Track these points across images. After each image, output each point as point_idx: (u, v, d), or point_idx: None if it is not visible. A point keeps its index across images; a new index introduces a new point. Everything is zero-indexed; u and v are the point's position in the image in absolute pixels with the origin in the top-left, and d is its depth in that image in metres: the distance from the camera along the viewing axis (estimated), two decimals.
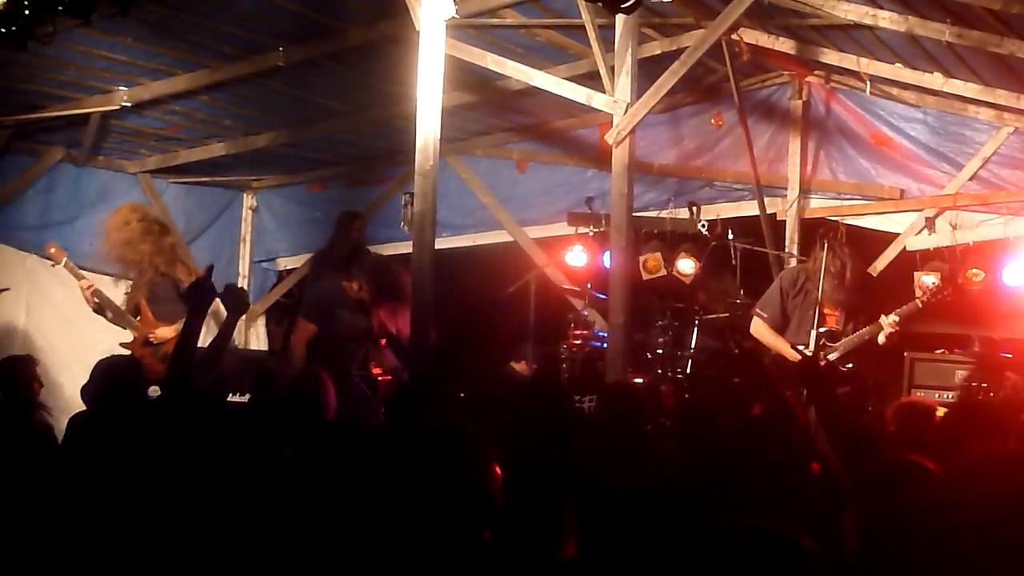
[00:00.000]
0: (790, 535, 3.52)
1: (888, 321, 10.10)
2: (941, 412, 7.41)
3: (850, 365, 10.27)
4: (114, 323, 11.83)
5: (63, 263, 11.76)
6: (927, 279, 11.49)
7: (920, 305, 10.21)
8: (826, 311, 10.18)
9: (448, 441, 3.66)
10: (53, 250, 11.85)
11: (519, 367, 13.47)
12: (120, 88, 11.88)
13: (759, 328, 10.64)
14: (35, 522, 4.91)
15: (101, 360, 8.14)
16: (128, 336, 11.82)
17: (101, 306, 11.74)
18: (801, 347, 10.19)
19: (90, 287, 11.71)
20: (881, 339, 10.24)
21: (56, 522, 4.91)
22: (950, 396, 10.84)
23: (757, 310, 10.75)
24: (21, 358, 10.44)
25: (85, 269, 12.24)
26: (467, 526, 3.55)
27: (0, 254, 13.32)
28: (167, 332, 11.57)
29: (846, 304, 10.31)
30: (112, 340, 11.75)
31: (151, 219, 12.18)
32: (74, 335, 12.71)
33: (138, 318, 11.74)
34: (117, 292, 12.27)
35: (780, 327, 10.53)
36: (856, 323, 10.35)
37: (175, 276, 11.88)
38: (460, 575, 3.52)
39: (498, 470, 3.64)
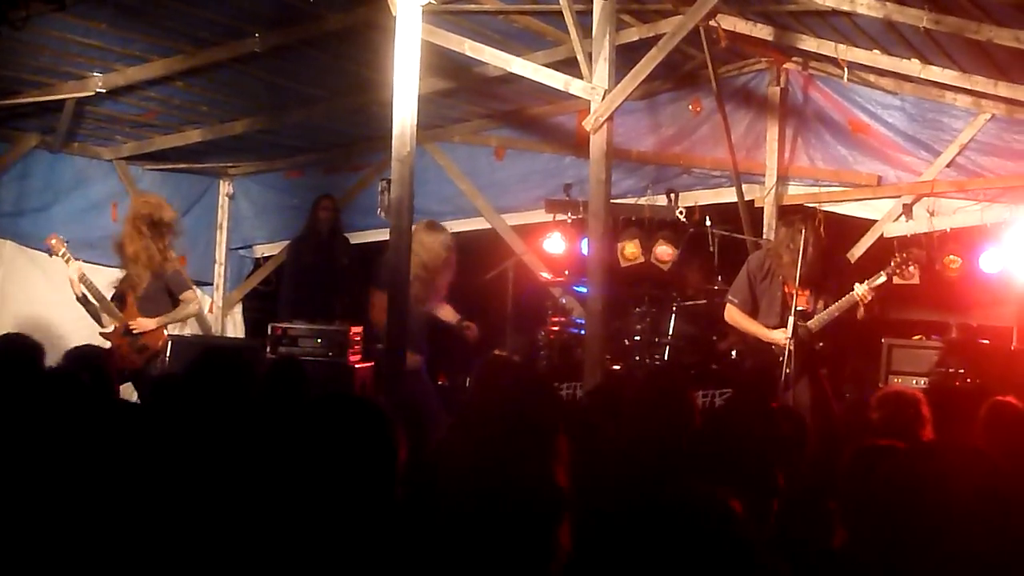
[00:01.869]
0: (719, 497, 3.55)
1: (861, 291, 10.10)
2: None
3: (821, 344, 10.29)
4: (96, 313, 11.77)
5: (61, 253, 11.72)
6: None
7: (886, 276, 10.22)
8: (794, 291, 10.18)
9: (350, 411, 3.73)
10: (54, 241, 11.79)
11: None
12: (95, 74, 11.81)
13: (732, 314, 10.69)
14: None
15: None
16: (109, 327, 11.76)
17: (87, 295, 11.70)
18: (780, 332, 10.20)
19: (81, 274, 11.67)
20: (860, 313, 10.23)
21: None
22: (926, 382, 10.89)
23: (729, 296, 10.80)
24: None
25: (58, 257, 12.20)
26: (376, 488, 3.61)
27: None
28: (148, 323, 11.58)
29: (811, 281, 10.30)
30: (88, 329, 11.68)
31: (157, 217, 12.07)
32: (51, 323, 12.63)
33: (123, 311, 11.72)
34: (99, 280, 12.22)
35: (752, 311, 10.57)
36: (826, 301, 10.36)
37: (165, 273, 11.86)
38: (370, 535, 3.58)
39: (401, 436, 3.71)
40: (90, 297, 11.63)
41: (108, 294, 11.75)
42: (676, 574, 3.46)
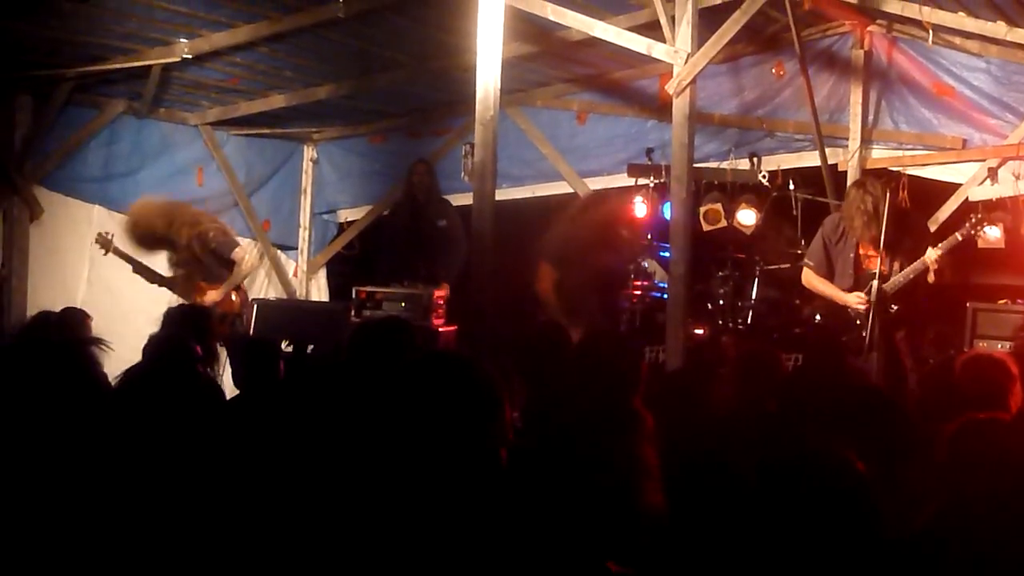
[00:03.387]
0: (844, 457, 3.56)
1: (932, 256, 9.99)
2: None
3: (895, 308, 10.19)
4: (171, 289, 12.05)
5: (111, 250, 11.94)
6: (990, 230, 11.36)
7: (960, 238, 10.11)
8: (869, 252, 10.11)
9: (456, 369, 3.70)
10: (100, 240, 12.03)
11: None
12: (181, 40, 11.94)
13: (809, 277, 10.64)
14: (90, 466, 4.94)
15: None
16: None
17: (157, 282, 11.96)
18: (854, 295, 10.13)
19: (143, 272, 11.90)
20: (930, 278, 10.11)
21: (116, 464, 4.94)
22: (1011, 346, 10.80)
23: (805, 260, 10.76)
24: (79, 311, 10.65)
25: None
26: (483, 448, 3.60)
27: (65, 206, 13.42)
28: (215, 295, 11.81)
29: (886, 243, 10.17)
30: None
31: (166, 210, 12.26)
32: (138, 287, 12.79)
33: (193, 290, 11.91)
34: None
35: (827, 274, 10.50)
36: (901, 263, 10.27)
37: (210, 241, 12.01)
38: (476, 495, 3.57)
39: (507, 398, 3.70)
40: (161, 285, 11.87)
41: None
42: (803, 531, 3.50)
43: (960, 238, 10.11)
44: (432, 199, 13.90)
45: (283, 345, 11.00)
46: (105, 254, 12.06)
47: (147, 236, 12.02)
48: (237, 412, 6.77)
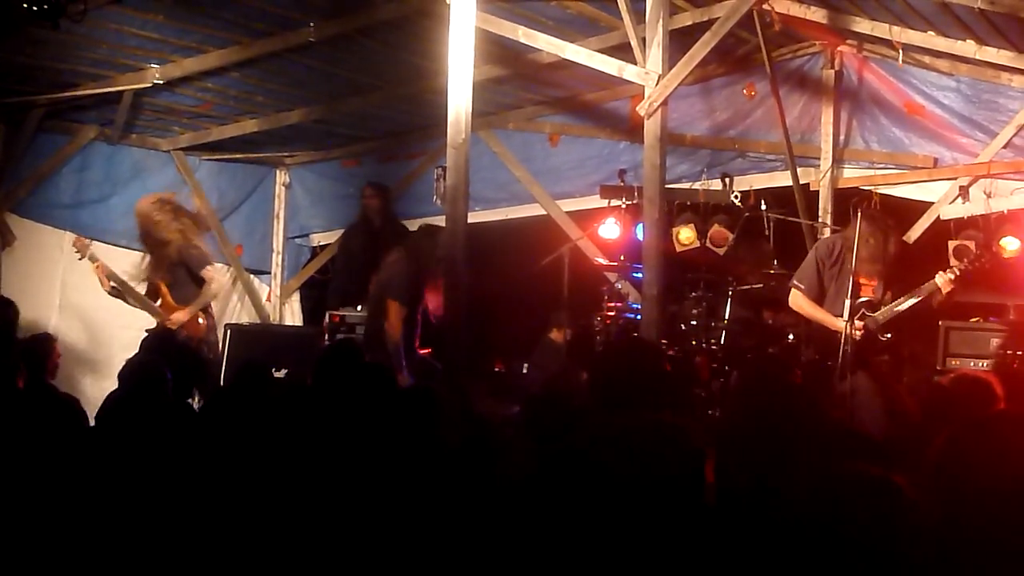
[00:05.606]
0: (886, 477, 3.53)
1: (945, 278, 9.95)
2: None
3: (888, 335, 10.18)
4: (134, 306, 11.84)
5: (88, 256, 11.76)
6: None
7: (959, 272, 10.09)
8: (862, 280, 10.08)
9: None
10: (78, 244, 11.87)
11: (557, 336, 13.55)
12: (152, 66, 11.94)
13: (797, 300, 10.54)
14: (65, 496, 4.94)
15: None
16: (152, 323, 11.81)
17: (121, 293, 11.75)
18: (856, 323, 10.08)
19: (109, 273, 11.70)
20: (936, 300, 10.06)
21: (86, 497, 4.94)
22: (985, 364, 10.79)
23: (794, 282, 10.63)
24: (41, 336, 10.62)
25: (119, 247, 12.31)
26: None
27: (37, 233, 13.40)
28: (182, 316, 11.60)
29: (883, 273, 10.17)
30: (147, 319, 11.79)
31: (168, 203, 12.10)
32: (110, 313, 12.77)
33: (159, 302, 11.74)
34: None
35: (817, 297, 10.42)
36: (893, 292, 10.23)
37: (190, 259, 11.85)
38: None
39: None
40: (125, 295, 11.69)
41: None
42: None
43: (958, 272, 10.09)
44: (387, 228, 13.87)
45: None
46: (81, 259, 11.91)
47: (144, 226, 11.85)
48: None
